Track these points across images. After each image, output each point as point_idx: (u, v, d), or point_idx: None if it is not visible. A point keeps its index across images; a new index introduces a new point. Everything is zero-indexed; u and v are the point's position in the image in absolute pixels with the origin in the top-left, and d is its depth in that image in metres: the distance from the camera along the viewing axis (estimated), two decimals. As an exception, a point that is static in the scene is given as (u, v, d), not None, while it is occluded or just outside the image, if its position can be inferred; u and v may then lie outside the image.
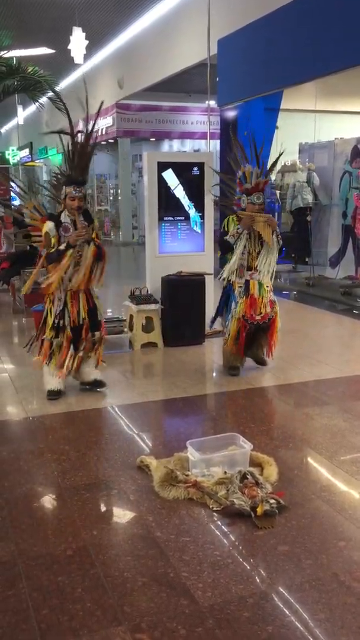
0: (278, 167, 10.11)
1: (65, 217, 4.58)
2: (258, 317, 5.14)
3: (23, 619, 2.33)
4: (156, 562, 2.66)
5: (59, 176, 4.98)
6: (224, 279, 5.23)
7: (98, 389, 4.91)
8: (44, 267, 4.63)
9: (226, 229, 5.14)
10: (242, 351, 5.25)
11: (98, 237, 4.68)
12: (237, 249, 5.06)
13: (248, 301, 5.09)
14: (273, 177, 10.45)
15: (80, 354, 4.72)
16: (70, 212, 4.58)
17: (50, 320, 4.64)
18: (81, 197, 4.56)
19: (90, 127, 4.72)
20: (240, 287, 5.12)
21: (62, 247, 4.50)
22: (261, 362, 5.49)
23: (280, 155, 5.57)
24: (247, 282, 5.10)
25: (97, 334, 4.75)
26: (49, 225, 4.56)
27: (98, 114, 4.89)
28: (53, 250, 4.52)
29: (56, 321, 4.61)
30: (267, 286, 5.13)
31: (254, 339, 5.32)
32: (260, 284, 5.10)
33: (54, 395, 4.72)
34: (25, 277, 7.87)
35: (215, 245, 6.88)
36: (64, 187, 4.61)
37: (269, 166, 5.33)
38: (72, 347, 4.66)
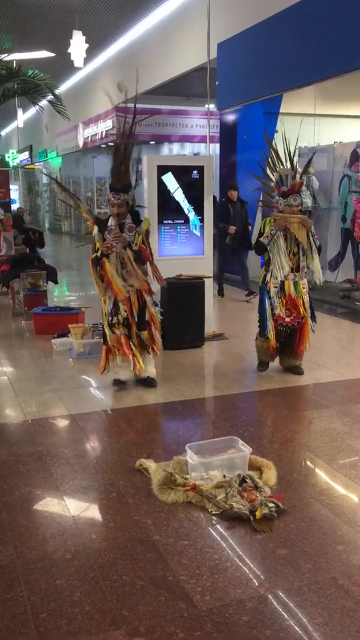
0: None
1: (112, 221, 4.74)
2: (288, 319, 5.17)
3: (21, 622, 2.33)
4: (155, 565, 2.66)
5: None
6: (266, 282, 5.24)
7: (148, 387, 5.05)
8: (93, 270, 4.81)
9: (262, 230, 5.20)
10: (275, 352, 5.33)
11: (144, 240, 4.77)
12: (277, 249, 5.11)
13: (286, 301, 5.13)
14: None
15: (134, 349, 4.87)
16: (114, 217, 4.73)
17: (105, 320, 4.88)
18: (120, 204, 4.68)
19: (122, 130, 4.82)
20: (276, 287, 5.15)
21: (98, 254, 4.69)
22: (294, 371, 5.43)
23: (313, 155, 5.63)
24: (282, 283, 5.14)
25: (143, 333, 4.90)
26: (94, 230, 4.77)
27: (134, 116, 5.04)
28: (93, 256, 4.74)
29: (110, 319, 4.82)
30: (303, 287, 5.18)
31: (283, 343, 5.34)
32: (296, 285, 5.14)
33: (118, 383, 5.00)
34: (25, 280, 7.89)
35: (214, 248, 6.89)
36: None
37: (302, 169, 5.42)
38: (131, 343, 4.85)
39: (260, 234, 5.21)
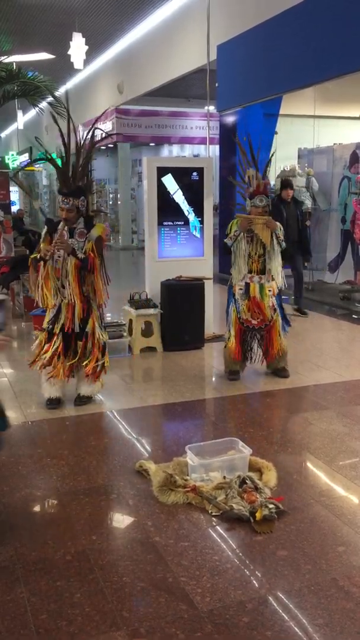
0: (277, 172, 10.17)
1: (62, 224, 4.55)
2: (254, 322, 5.13)
3: (21, 623, 2.33)
4: (155, 567, 2.66)
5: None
6: (232, 284, 5.23)
7: (75, 405, 4.70)
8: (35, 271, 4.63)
9: (229, 231, 5.14)
10: (240, 355, 5.24)
11: (94, 248, 4.49)
12: (238, 252, 5.07)
13: (249, 304, 5.09)
14: (272, 182, 10.49)
15: (67, 361, 4.61)
16: (64, 220, 4.56)
17: (45, 326, 4.64)
18: (70, 208, 4.48)
19: (82, 135, 4.70)
20: (241, 289, 5.12)
21: (38, 256, 4.51)
22: (280, 374, 5.37)
23: (271, 156, 5.59)
24: (247, 285, 5.10)
25: (79, 343, 4.59)
26: (42, 232, 4.64)
27: (92, 126, 4.83)
28: (34, 256, 4.58)
29: (49, 327, 4.60)
30: (269, 290, 5.11)
31: (261, 346, 5.31)
32: (262, 287, 5.08)
33: (53, 403, 4.66)
34: (25, 282, 7.89)
35: (215, 250, 6.89)
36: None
37: (263, 169, 5.31)
38: (62, 353, 4.57)
39: (226, 235, 5.17)
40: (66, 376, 4.64)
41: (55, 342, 4.56)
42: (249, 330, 5.18)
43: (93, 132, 4.76)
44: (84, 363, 4.61)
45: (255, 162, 5.13)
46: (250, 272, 5.08)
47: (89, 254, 4.47)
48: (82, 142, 4.68)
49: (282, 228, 5.12)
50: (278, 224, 5.12)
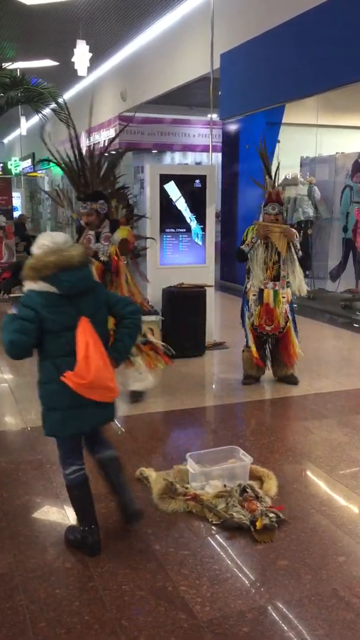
0: (279, 180, 10.19)
1: (87, 229, 4.66)
2: (268, 328, 5.15)
3: (20, 631, 2.32)
4: (154, 575, 2.65)
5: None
6: (246, 290, 5.25)
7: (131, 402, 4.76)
8: None
9: (245, 238, 5.19)
10: (260, 361, 5.26)
11: (117, 251, 4.61)
12: (255, 259, 5.10)
13: (263, 310, 5.11)
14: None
15: None
16: (87, 226, 4.65)
17: None
18: (89, 212, 4.56)
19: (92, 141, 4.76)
20: (255, 295, 5.14)
21: None
22: (288, 380, 5.38)
23: (277, 168, 5.62)
24: (261, 291, 5.12)
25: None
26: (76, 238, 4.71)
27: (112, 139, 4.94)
28: None
29: None
30: (283, 297, 5.15)
31: (272, 352, 5.33)
32: (276, 294, 5.12)
33: (138, 395, 4.82)
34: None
35: (216, 257, 6.90)
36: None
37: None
38: None
39: (242, 242, 5.20)
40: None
41: None
42: (262, 337, 5.20)
43: (111, 140, 4.83)
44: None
45: (269, 170, 5.22)
46: (264, 279, 5.12)
47: (113, 257, 4.56)
48: (92, 147, 4.79)
49: (298, 236, 5.18)
50: (295, 231, 5.16)
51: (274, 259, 5.11)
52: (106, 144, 4.89)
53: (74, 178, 4.71)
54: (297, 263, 5.11)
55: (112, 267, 4.56)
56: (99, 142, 4.95)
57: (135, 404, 4.70)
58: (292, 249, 5.10)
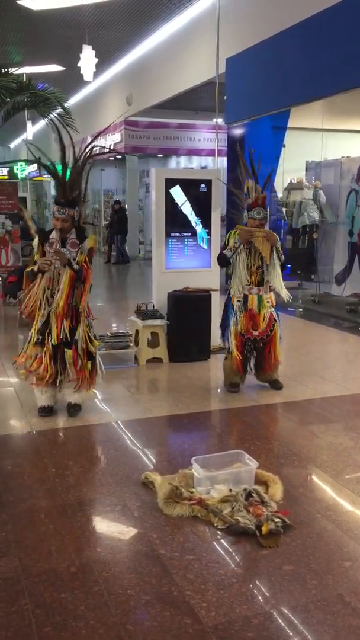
0: (285, 184, 10.20)
1: (55, 234, 4.58)
2: (255, 333, 5.14)
3: (25, 635, 2.31)
4: (160, 580, 2.64)
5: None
6: (230, 296, 5.24)
7: (68, 415, 4.70)
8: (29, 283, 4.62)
9: (226, 242, 5.15)
10: (241, 368, 5.24)
11: (86, 260, 4.55)
12: (238, 263, 5.07)
13: (247, 316, 5.09)
14: (279, 194, 10.51)
15: (57, 371, 4.61)
16: (56, 231, 4.58)
17: (33, 337, 4.63)
18: (65, 218, 4.52)
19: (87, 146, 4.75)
20: (239, 301, 5.13)
21: (35, 268, 4.53)
22: (273, 385, 5.39)
23: (271, 172, 5.58)
24: (245, 297, 5.11)
25: (68, 351, 4.55)
26: (34, 241, 4.64)
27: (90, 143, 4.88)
28: (30, 268, 4.59)
29: (39, 337, 4.59)
30: (267, 301, 5.13)
31: (256, 357, 5.31)
32: (260, 299, 5.10)
33: (45, 411, 4.69)
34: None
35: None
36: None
37: (264, 183, 5.32)
38: (51, 363, 4.58)
39: (224, 246, 5.17)
40: (49, 384, 4.64)
41: (45, 352, 4.56)
42: (249, 342, 5.18)
43: (92, 146, 4.80)
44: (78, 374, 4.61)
45: (255, 174, 5.16)
46: (248, 284, 5.09)
47: (83, 265, 4.53)
48: (80, 154, 4.72)
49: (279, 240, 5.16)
50: (276, 236, 5.14)
51: (257, 263, 5.08)
52: (91, 154, 4.84)
53: (62, 183, 4.69)
54: (278, 268, 5.09)
55: (83, 276, 4.51)
56: (89, 149, 4.86)
57: (73, 417, 4.65)
58: (276, 254, 5.07)
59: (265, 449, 4.08)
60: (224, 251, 5.13)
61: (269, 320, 5.14)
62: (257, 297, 5.09)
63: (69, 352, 4.55)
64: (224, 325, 5.38)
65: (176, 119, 16.62)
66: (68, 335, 4.53)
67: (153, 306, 6.46)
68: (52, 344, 4.54)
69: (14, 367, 4.89)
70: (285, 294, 5.17)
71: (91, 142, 4.86)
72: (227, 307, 5.29)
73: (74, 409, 4.72)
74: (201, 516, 3.13)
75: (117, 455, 4.01)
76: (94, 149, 4.89)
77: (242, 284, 5.09)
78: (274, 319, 5.19)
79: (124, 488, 3.49)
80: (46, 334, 4.56)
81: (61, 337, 4.52)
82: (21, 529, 3.07)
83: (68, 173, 4.67)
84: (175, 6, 11.08)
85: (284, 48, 8.76)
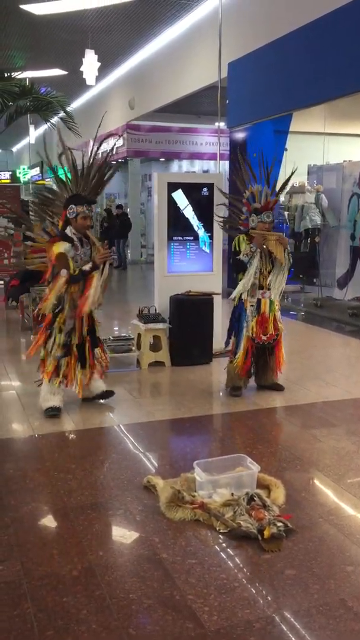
0: (287, 188, 10.20)
1: (72, 236, 4.63)
2: (264, 337, 5.15)
3: (27, 639, 2.31)
4: (162, 584, 2.64)
5: (50, 194, 5.08)
6: (234, 299, 5.25)
7: (103, 400, 5.03)
8: (64, 289, 4.54)
9: (237, 248, 5.13)
10: (246, 372, 5.25)
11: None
12: (251, 268, 5.09)
13: (259, 320, 5.11)
14: (282, 198, 10.52)
15: (87, 369, 4.80)
16: (77, 231, 4.63)
17: (60, 339, 4.66)
18: (92, 217, 4.70)
19: (108, 148, 4.87)
20: (252, 305, 5.14)
21: (86, 267, 4.57)
22: (276, 388, 5.42)
23: (292, 174, 5.58)
24: (258, 301, 5.12)
25: (96, 350, 4.87)
26: (65, 246, 4.53)
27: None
28: (78, 272, 4.52)
29: (67, 339, 4.67)
30: (276, 305, 5.17)
31: (258, 361, 5.32)
32: (272, 303, 5.14)
33: (55, 411, 4.73)
34: (35, 295, 7.92)
35: (224, 265, 6.90)
36: (72, 205, 4.59)
37: (279, 187, 5.37)
38: (79, 364, 4.74)
39: (236, 252, 5.14)
40: (87, 385, 4.89)
41: (71, 353, 4.72)
42: (259, 346, 5.19)
43: (106, 150, 4.91)
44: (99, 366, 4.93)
45: (268, 179, 5.19)
46: (261, 287, 5.11)
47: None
48: (91, 158, 4.84)
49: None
50: (287, 239, 5.18)
51: (269, 267, 5.12)
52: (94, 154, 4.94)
53: (90, 180, 4.81)
54: (286, 271, 5.16)
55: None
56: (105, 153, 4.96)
57: (51, 418, 4.70)
58: (287, 256, 5.14)
59: (267, 452, 4.08)
60: (240, 257, 5.11)
61: (274, 325, 5.17)
62: (269, 301, 5.12)
63: (97, 351, 4.87)
64: (233, 330, 5.34)
65: (178, 122, 16.66)
66: (88, 336, 4.73)
67: (155, 310, 6.47)
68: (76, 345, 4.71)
69: (36, 372, 4.93)
70: (277, 295, 5.18)
71: (99, 145, 5.04)
72: (240, 311, 5.24)
73: (107, 394, 5.03)
74: (203, 520, 3.13)
75: (119, 458, 4.02)
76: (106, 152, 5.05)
77: (255, 288, 5.10)
78: (281, 322, 5.24)
79: (126, 492, 3.49)
80: (70, 334, 4.69)
81: (83, 336, 4.71)
82: (23, 532, 3.07)
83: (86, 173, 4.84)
84: (178, 11, 11.12)
85: (286, 52, 8.78)
